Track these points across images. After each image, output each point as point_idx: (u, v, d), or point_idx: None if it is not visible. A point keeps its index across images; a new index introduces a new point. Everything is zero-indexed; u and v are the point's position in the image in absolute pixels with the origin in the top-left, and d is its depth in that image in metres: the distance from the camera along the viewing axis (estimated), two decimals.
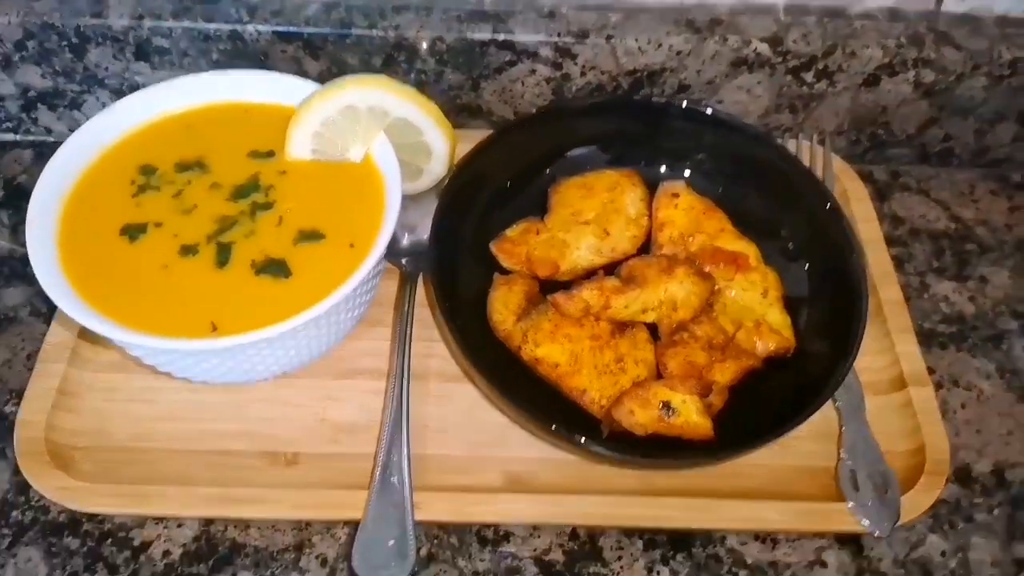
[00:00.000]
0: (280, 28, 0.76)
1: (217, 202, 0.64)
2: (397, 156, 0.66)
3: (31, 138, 0.86)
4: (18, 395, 0.68)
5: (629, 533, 0.64)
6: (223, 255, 0.61)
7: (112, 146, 0.66)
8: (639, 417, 0.64)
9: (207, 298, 0.59)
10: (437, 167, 0.71)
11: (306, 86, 0.69)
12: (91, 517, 0.63)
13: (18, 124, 0.84)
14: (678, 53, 0.78)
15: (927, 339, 0.76)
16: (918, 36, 0.78)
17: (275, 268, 0.60)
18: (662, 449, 0.63)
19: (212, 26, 0.75)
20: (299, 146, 0.66)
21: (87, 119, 0.81)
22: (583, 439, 0.60)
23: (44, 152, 0.85)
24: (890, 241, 0.82)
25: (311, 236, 0.62)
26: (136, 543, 0.62)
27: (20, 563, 0.61)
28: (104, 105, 0.82)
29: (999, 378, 0.74)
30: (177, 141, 0.67)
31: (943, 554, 0.65)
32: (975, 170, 0.89)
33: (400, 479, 0.61)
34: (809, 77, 0.80)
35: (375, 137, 0.66)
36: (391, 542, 0.59)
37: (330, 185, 0.66)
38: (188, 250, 0.61)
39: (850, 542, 0.65)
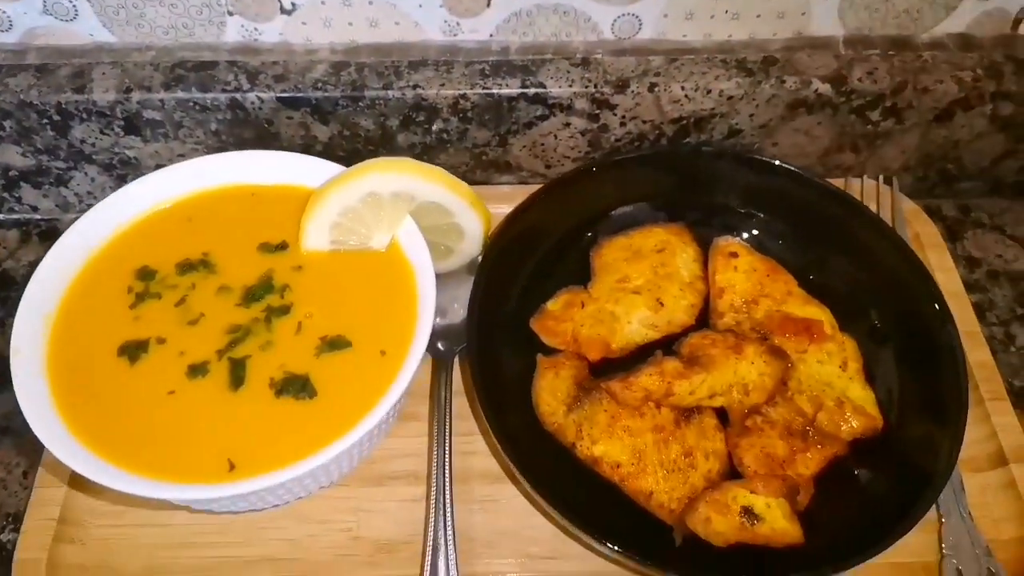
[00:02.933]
0: (285, 94, 0.68)
1: (227, 308, 0.56)
2: (426, 240, 0.58)
3: (15, 217, 0.78)
4: (15, 520, 0.61)
5: None
6: (237, 374, 0.53)
7: (103, 248, 0.59)
8: (717, 525, 0.56)
9: (221, 429, 0.51)
10: (469, 247, 0.64)
11: (317, 165, 0.61)
12: None
13: (0, 203, 0.77)
14: (729, 98, 0.70)
15: (1018, 399, 0.68)
16: (995, 67, 0.70)
17: (297, 387, 0.53)
18: (747, 566, 0.55)
19: (209, 96, 0.67)
20: (315, 238, 0.58)
21: (75, 195, 0.75)
22: (657, 563, 0.52)
23: (30, 231, 0.77)
24: (967, 286, 0.74)
25: (336, 344, 0.55)
26: None
27: None
28: (93, 180, 0.74)
29: None
30: (177, 236, 0.60)
31: None
32: None
33: None
34: (875, 115, 0.72)
35: (401, 222, 0.59)
36: None
37: (353, 281, 0.58)
38: (197, 370, 0.53)
39: None
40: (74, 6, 0.66)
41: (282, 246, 0.59)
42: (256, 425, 0.51)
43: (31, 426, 0.49)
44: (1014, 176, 0.79)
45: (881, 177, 0.76)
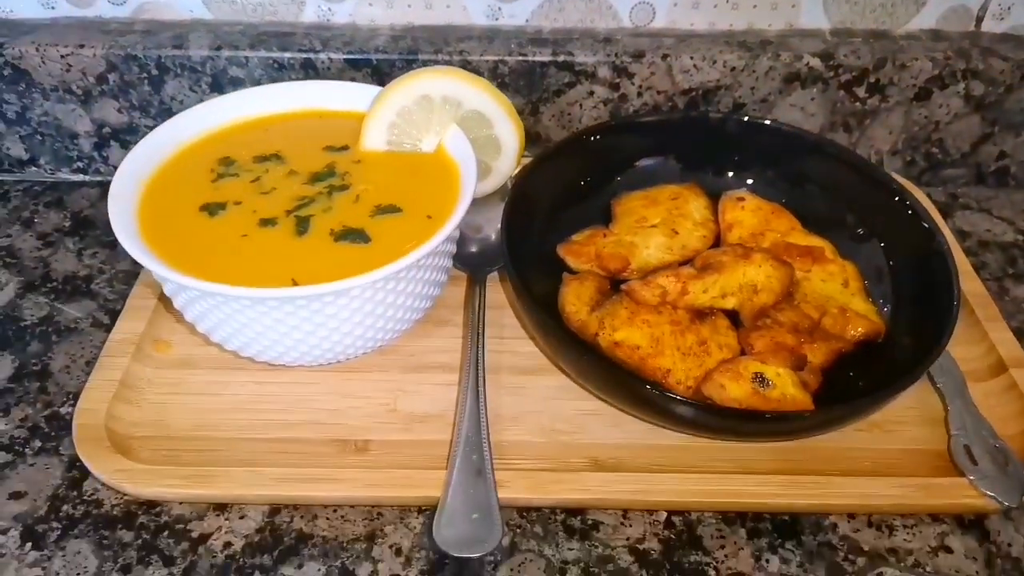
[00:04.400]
0: (351, 56, 0.79)
1: (295, 185, 0.64)
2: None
3: (99, 179, 0.88)
4: (74, 397, 0.65)
5: (729, 521, 0.59)
6: (302, 226, 0.60)
7: (191, 142, 0.68)
8: (731, 391, 0.60)
9: (287, 260, 0.58)
10: (505, 165, 0.72)
11: (378, 91, 0.71)
12: (147, 509, 0.59)
13: (88, 163, 0.87)
14: (732, 69, 0.80)
15: (1017, 336, 0.73)
16: (964, 50, 0.81)
17: (354, 235, 0.60)
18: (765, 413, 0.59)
19: (287, 55, 0.79)
20: (374, 137, 0.67)
21: None
22: (682, 398, 0.57)
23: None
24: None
25: (388, 210, 0.62)
26: (195, 535, 0.57)
27: (69, 556, 0.56)
28: None
29: None
30: (255, 139, 0.69)
31: None
32: None
33: (480, 456, 0.57)
34: (861, 92, 0.82)
35: (448, 128, 0.68)
36: (475, 516, 0.54)
37: (405, 171, 0.66)
38: (267, 222, 0.61)
39: (973, 527, 0.59)
40: None
41: (344, 147, 0.68)
42: (317, 259, 0.58)
43: (124, 246, 0.56)
44: (994, 163, 0.87)
45: (872, 156, 0.85)
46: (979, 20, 0.83)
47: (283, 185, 0.64)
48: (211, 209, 0.62)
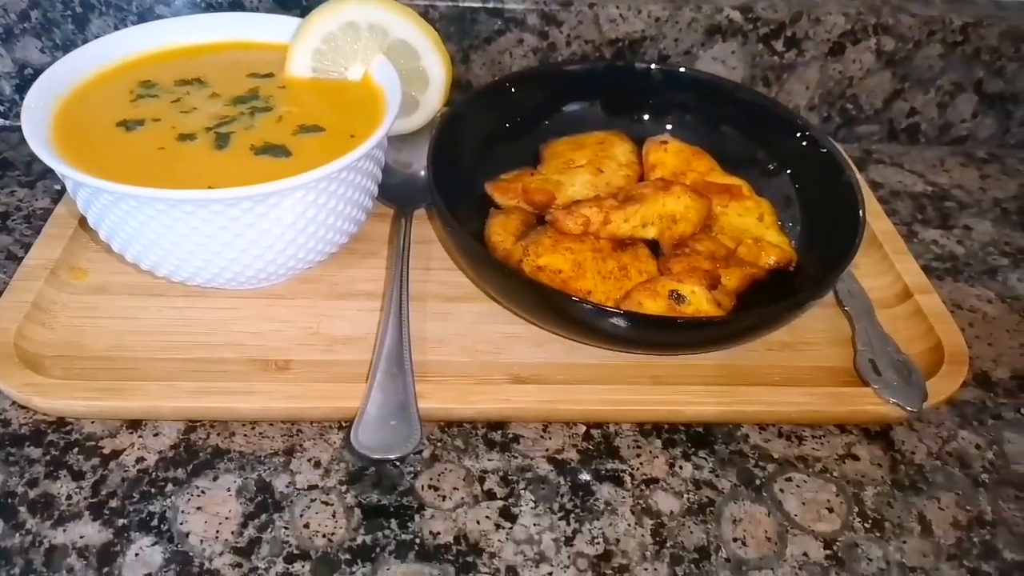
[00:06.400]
0: None
1: (216, 106, 0.64)
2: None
3: (19, 124, 0.86)
4: None
5: (646, 432, 0.60)
6: (222, 141, 0.60)
7: (112, 65, 0.67)
8: (648, 308, 0.62)
9: (205, 171, 0.57)
10: (433, 98, 0.73)
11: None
12: (57, 428, 0.57)
13: (10, 107, 0.85)
14: (657, 20, 0.83)
15: (925, 273, 0.76)
16: (875, 6, 0.85)
17: (275, 150, 0.60)
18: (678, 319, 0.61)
19: None
20: (299, 64, 0.67)
21: None
22: (601, 307, 0.58)
23: None
24: None
25: (311, 129, 0.62)
26: (106, 451, 0.56)
27: None
28: None
29: (1001, 302, 0.74)
30: (178, 66, 0.68)
31: (977, 447, 0.61)
32: (942, 147, 0.94)
33: (400, 369, 0.58)
34: (779, 46, 0.85)
35: (374, 57, 0.68)
36: (393, 422, 0.54)
37: (330, 96, 0.67)
38: (186, 137, 0.60)
39: (879, 438, 0.61)
40: None
41: (269, 75, 0.68)
42: (236, 171, 0.58)
43: (36, 152, 0.55)
44: (905, 120, 0.92)
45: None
46: None
47: (204, 106, 0.64)
48: (128, 125, 0.61)
